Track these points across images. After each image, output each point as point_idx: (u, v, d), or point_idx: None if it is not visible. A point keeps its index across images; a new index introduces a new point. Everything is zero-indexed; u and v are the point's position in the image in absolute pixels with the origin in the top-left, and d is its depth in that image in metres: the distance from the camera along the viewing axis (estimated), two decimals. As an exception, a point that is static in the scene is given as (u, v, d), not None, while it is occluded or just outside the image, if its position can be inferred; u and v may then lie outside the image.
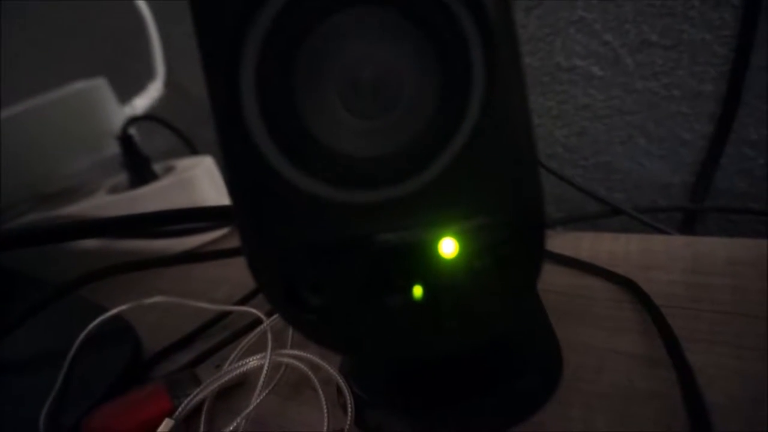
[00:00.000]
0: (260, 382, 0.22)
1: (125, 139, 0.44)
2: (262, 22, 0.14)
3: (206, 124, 0.14)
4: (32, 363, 0.29)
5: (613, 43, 0.35)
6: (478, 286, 0.14)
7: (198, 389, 0.23)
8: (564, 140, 0.40)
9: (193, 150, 0.57)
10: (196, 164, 0.46)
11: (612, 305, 0.24)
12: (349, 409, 0.20)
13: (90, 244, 0.40)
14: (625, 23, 0.34)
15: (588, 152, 0.39)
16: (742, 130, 0.34)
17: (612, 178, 0.39)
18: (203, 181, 0.45)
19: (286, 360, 0.24)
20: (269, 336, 0.25)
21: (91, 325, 0.29)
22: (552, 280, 0.27)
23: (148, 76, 0.56)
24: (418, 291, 0.14)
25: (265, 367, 0.23)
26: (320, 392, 0.22)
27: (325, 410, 0.21)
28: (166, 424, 0.21)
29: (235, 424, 0.21)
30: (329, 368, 0.22)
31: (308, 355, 0.23)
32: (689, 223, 0.37)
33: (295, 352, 0.24)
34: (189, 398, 0.23)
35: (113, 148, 0.46)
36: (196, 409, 0.23)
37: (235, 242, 0.36)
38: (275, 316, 0.26)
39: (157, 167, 0.47)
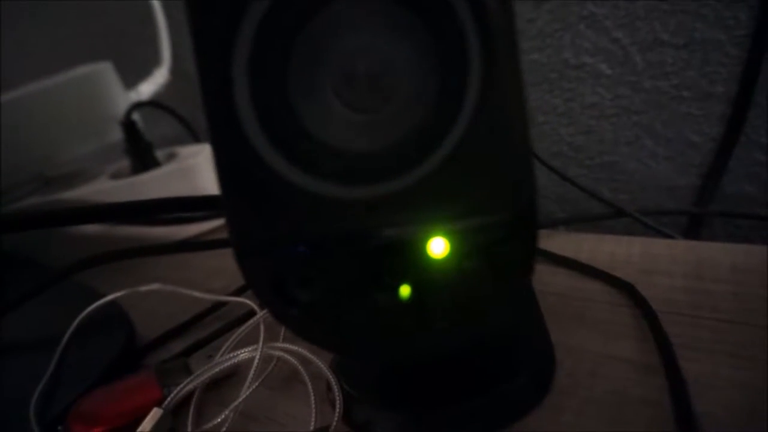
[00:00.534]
0: (250, 375, 0.22)
1: (128, 125, 0.44)
2: (255, 11, 0.13)
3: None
4: (26, 347, 0.29)
5: (623, 40, 0.34)
6: (467, 287, 0.14)
7: (188, 379, 0.23)
8: (569, 139, 0.39)
9: (196, 138, 0.56)
10: (199, 152, 0.46)
11: (610, 309, 0.23)
12: (338, 406, 0.20)
13: (89, 229, 0.40)
14: (637, 20, 0.33)
15: (594, 152, 0.39)
16: (752, 133, 0.33)
17: (617, 179, 0.39)
18: (205, 170, 0.45)
19: (277, 353, 0.24)
20: (261, 328, 0.24)
21: (85, 311, 0.29)
22: (550, 281, 0.26)
23: (154, 62, 0.56)
24: (406, 290, 0.14)
25: (256, 360, 0.23)
26: (309, 387, 0.21)
27: (314, 405, 0.21)
28: (155, 413, 0.21)
29: (223, 415, 0.21)
30: (319, 363, 0.22)
31: (299, 349, 0.23)
32: (694, 227, 0.37)
33: (287, 345, 0.23)
34: (179, 388, 0.22)
35: (117, 134, 0.46)
36: (186, 399, 0.23)
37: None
38: (268, 308, 0.26)
39: (159, 154, 0.47)
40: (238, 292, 0.31)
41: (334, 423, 0.19)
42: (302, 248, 0.15)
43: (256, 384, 0.22)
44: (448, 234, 0.14)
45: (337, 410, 0.19)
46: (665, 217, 0.37)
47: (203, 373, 0.23)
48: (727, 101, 0.33)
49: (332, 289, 0.15)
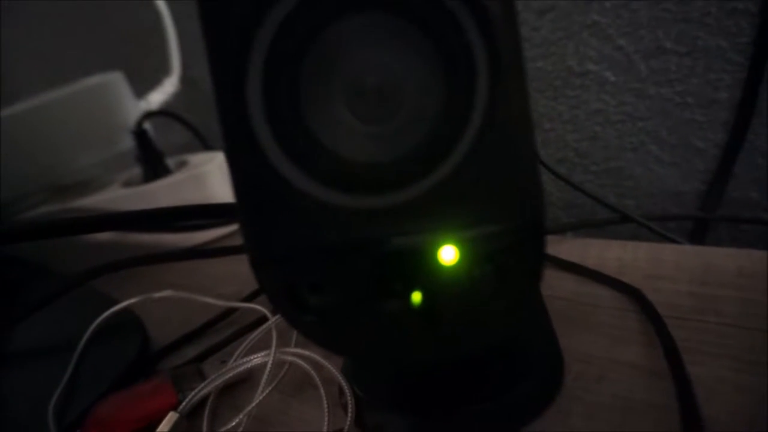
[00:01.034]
0: (264, 379, 0.23)
1: (140, 134, 0.44)
2: (269, 26, 0.14)
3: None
4: (42, 353, 0.30)
5: (626, 48, 0.35)
6: (477, 295, 0.14)
7: (203, 384, 0.23)
8: (575, 145, 0.40)
9: (207, 146, 0.57)
10: (209, 160, 0.47)
11: (616, 314, 0.24)
12: (350, 409, 0.20)
13: (102, 236, 0.41)
14: (640, 28, 0.34)
15: (599, 158, 0.39)
16: (756, 140, 0.33)
17: (623, 185, 0.39)
18: (215, 177, 0.45)
19: (289, 358, 0.24)
20: (274, 334, 0.25)
21: (100, 318, 0.29)
22: (558, 285, 0.27)
23: (163, 71, 0.57)
24: (416, 297, 0.14)
25: (269, 365, 0.23)
26: (322, 391, 0.22)
27: (326, 409, 0.21)
28: (170, 417, 0.22)
29: (237, 419, 0.21)
30: (331, 368, 0.22)
31: (311, 354, 0.23)
32: (700, 232, 0.37)
33: (299, 350, 0.24)
34: (193, 393, 0.23)
35: (128, 142, 0.47)
36: (200, 404, 0.23)
37: (244, 239, 0.36)
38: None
39: (170, 162, 0.47)
40: (250, 298, 0.32)
41: (347, 426, 0.19)
42: (315, 256, 0.15)
43: (270, 388, 0.22)
44: (457, 242, 0.14)
45: (350, 414, 0.20)
46: (671, 222, 0.37)
47: (217, 378, 0.24)
48: (730, 108, 0.33)
49: (344, 295, 0.15)
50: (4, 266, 0.39)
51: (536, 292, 0.22)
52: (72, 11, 0.62)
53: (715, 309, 0.22)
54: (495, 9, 0.13)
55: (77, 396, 0.25)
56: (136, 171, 0.47)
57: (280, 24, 0.14)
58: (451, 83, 0.14)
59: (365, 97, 0.14)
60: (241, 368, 0.24)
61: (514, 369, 0.20)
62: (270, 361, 0.23)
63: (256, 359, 0.24)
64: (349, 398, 0.20)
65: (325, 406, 0.21)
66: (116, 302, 0.30)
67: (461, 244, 0.14)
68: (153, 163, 0.45)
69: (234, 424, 0.21)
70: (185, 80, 0.58)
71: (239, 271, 0.37)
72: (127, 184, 0.46)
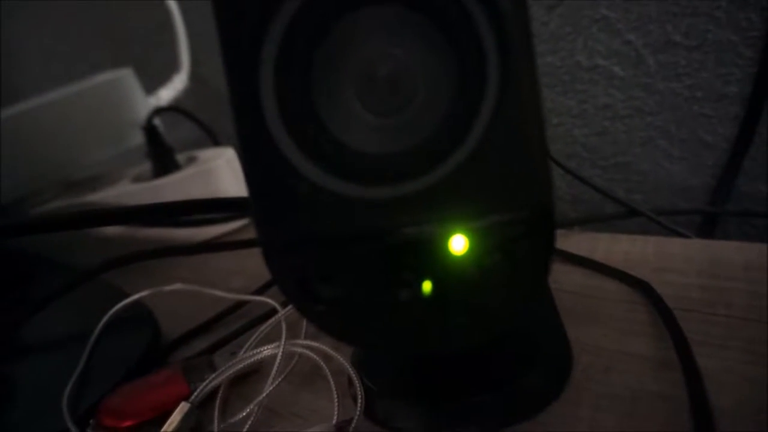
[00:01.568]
0: (274, 371, 0.23)
1: (150, 130, 0.45)
2: (281, 18, 0.14)
3: (228, 117, 0.15)
4: (56, 344, 0.30)
5: (635, 42, 0.35)
6: (487, 284, 0.15)
7: (213, 375, 0.24)
8: (584, 140, 0.40)
9: (216, 141, 0.58)
10: (218, 155, 0.47)
11: (625, 306, 0.24)
12: (359, 400, 0.20)
13: (113, 231, 0.42)
14: (649, 23, 0.34)
15: (608, 152, 0.39)
16: (766, 134, 0.33)
17: (631, 179, 0.39)
18: (224, 172, 0.46)
19: (299, 350, 0.24)
20: (283, 326, 0.25)
21: (112, 310, 0.30)
22: (566, 279, 0.27)
23: (173, 68, 0.58)
24: (427, 286, 0.15)
25: (279, 356, 0.23)
26: (331, 382, 0.22)
27: (336, 400, 0.21)
28: (182, 407, 0.22)
29: (248, 409, 0.22)
30: (341, 359, 0.22)
31: (321, 346, 0.24)
32: (708, 226, 0.37)
33: (309, 342, 0.24)
34: (205, 383, 0.23)
35: (138, 138, 0.47)
36: (211, 394, 0.24)
37: (252, 233, 0.37)
38: (290, 306, 0.27)
39: (180, 157, 0.48)
40: (260, 291, 0.32)
41: (357, 416, 0.20)
42: (326, 246, 0.15)
43: (280, 379, 0.23)
44: (467, 232, 0.14)
45: (359, 404, 0.20)
46: (679, 216, 0.37)
47: (228, 369, 0.24)
48: (740, 102, 0.33)
49: (356, 285, 0.15)
50: (17, 260, 0.40)
51: (545, 284, 0.22)
52: (82, 8, 0.62)
53: (724, 301, 0.22)
54: (506, 1, 0.13)
55: (91, 387, 0.25)
56: (146, 166, 0.47)
57: (292, 17, 0.14)
58: (461, 75, 0.14)
59: (377, 88, 0.15)
60: (252, 360, 0.24)
61: (523, 360, 0.20)
62: (280, 353, 0.23)
63: (266, 351, 0.24)
64: (358, 389, 0.21)
65: (335, 396, 0.21)
66: (127, 295, 0.31)
67: (471, 234, 0.14)
68: (163, 158, 0.45)
69: (245, 414, 0.21)
70: (194, 77, 0.58)
71: (248, 265, 0.38)
72: (137, 179, 0.47)
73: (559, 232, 0.32)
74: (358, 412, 0.20)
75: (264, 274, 0.31)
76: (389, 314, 0.15)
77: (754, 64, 0.32)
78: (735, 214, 0.36)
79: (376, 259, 0.15)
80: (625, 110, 0.37)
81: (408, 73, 0.14)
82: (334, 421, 0.20)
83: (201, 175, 0.45)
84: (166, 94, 0.55)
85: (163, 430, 0.21)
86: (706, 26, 0.32)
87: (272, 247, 0.16)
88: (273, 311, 0.28)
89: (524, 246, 0.14)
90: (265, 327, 0.26)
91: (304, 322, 0.27)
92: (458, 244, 0.14)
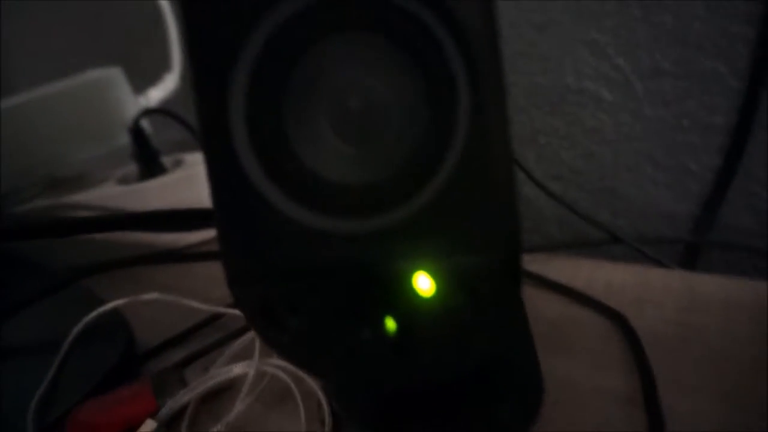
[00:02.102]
0: (244, 390, 0.23)
1: (136, 131, 0.44)
2: (252, 46, 0.14)
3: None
4: (27, 351, 0.30)
5: (624, 67, 0.35)
6: (451, 325, 0.14)
7: (183, 391, 0.23)
8: (570, 162, 0.40)
9: (204, 144, 0.57)
10: (205, 160, 0.47)
11: (600, 338, 0.24)
12: (327, 424, 0.20)
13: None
14: (638, 49, 0.34)
15: (594, 176, 0.39)
16: (751, 165, 0.33)
17: (617, 204, 0.39)
18: (210, 178, 0.45)
19: (271, 369, 0.24)
20: (257, 343, 0.25)
21: (86, 319, 0.29)
22: (544, 307, 0.27)
23: (164, 67, 0.57)
24: (390, 325, 0.14)
25: (250, 376, 0.23)
26: (300, 405, 0.22)
27: (303, 423, 0.21)
28: (148, 424, 0.22)
29: (215, 429, 0.21)
30: (311, 382, 0.22)
31: (293, 367, 0.23)
32: (691, 255, 0.37)
33: (281, 362, 0.24)
34: (173, 400, 0.23)
35: (125, 138, 0.47)
36: (181, 411, 0.23)
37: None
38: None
39: (166, 160, 0.47)
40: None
41: (322, 442, 0.19)
42: (292, 277, 0.15)
43: (250, 399, 0.23)
44: (434, 270, 0.14)
45: (326, 429, 0.20)
46: (663, 245, 0.37)
47: (198, 385, 0.24)
48: (726, 132, 0.33)
49: (319, 318, 0.15)
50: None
51: (521, 313, 0.22)
52: (74, 6, 0.62)
53: (700, 339, 0.22)
54: (476, 31, 0.13)
55: (58, 398, 0.25)
56: (133, 168, 0.47)
57: (264, 42, 0.14)
58: (433, 107, 0.14)
59: (349, 116, 0.14)
60: (223, 377, 0.24)
61: (493, 394, 0.20)
62: (251, 372, 0.23)
63: (238, 369, 0.24)
64: (326, 414, 0.20)
65: (303, 420, 0.21)
66: (104, 302, 0.30)
67: (438, 273, 0.14)
68: (148, 161, 0.45)
69: (212, 434, 0.21)
70: (186, 77, 0.58)
71: (229, 274, 0.37)
72: (123, 180, 0.46)
73: (542, 256, 0.32)
74: (324, 438, 0.20)
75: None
76: (352, 350, 0.15)
77: (740, 95, 0.32)
78: (717, 246, 0.36)
79: (341, 293, 0.15)
80: (612, 134, 0.37)
81: (379, 104, 0.14)
82: (299, 446, 0.20)
83: (187, 180, 0.44)
84: (157, 94, 0.55)
85: (126, 448, 0.21)
86: (695, 56, 0.32)
87: (236, 276, 0.15)
88: (249, 325, 0.28)
89: (491, 287, 0.14)
90: (238, 343, 0.26)
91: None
92: (424, 282, 0.14)
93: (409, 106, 0.14)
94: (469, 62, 0.13)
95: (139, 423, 0.22)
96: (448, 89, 0.14)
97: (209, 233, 0.45)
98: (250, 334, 0.26)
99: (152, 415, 0.22)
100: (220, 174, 0.15)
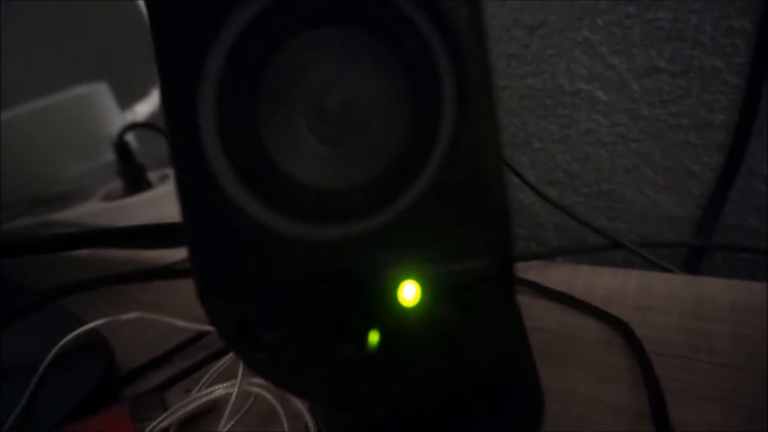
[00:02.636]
0: (227, 412, 0.21)
1: (121, 147, 0.43)
2: (224, 40, 0.13)
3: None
4: (1, 374, 0.28)
5: (619, 67, 0.34)
6: (439, 338, 0.13)
7: (163, 416, 0.22)
8: (566, 166, 0.38)
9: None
10: (193, 174, 0.46)
11: (602, 348, 0.22)
12: (313, 449, 0.19)
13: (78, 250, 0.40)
14: (632, 47, 0.33)
15: (591, 179, 0.38)
16: (753, 164, 0.32)
17: (615, 208, 0.38)
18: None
19: (255, 389, 0.23)
20: (241, 363, 0.24)
21: (64, 340, 0.28)
22: (542, 316, 0.26)
23: (152, 82, 0.56)
24: (374, 339, 0.13)
25: (233, 396, 0.22)
26: (286, 427, 0.21)
27: (289, 448, 0.20)
28: (124, 452, 0.20)
29: (195, 456, 0.20)
30: (298, 403, 0.21)
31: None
32: (694, 259, 0.36)
33: (266, 382, 0.23)
34: (153, 425, 0.22)
35: (110, 154, 0.46)
36: (161, 436, 0.22)
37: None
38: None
39: (152, 176, 0.46)
40: (222, 322, 0.30)
41: (308, 468, 0.18)
42: (268, 289, 0.14)
43: (233, 422, 0.21)
44: (419, 279, 0.13)
45: (312, 454, 0.19)
46: (665, 248, 0.36)
47: (179, 409, 0.23)
48: (727, 130, 0.32)
49: (297, 334, 0.14)
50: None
51: (518, 323, 0.21)
52: (62, 21, 0.61)
53: (707, 346, 0.21)
54: (462, 27, 0.12)
55: (32, 424, 0.24)
56: (118, 184, 0.46)
57: (236, 38, 0.13)
58: (416, 104, 0.13)
59: (327, 116, 0.13)
60: (205, 399, 0.23)
61: (490, 410, 0.18)
62: (234, 393, 0.22)
63: (220, 390, 0.23)
64: (312, 437, 0.19)
65: (288, 444, 0.20)
66: (83, 323, 0.29)
67: (423, 282, 0.13)
68: (134, 176, 0.44)
69: (191, 460, 0.20)
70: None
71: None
72: (108, 197, 0.45)
73: (539, 263, 0.31)
74: (310, 464, 0.18)
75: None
76: (331, 367, 0.14)
77: (740, 91, 0.31)
78: (722, 248, 0.34)
79: (321, 306, 0.13)
80: (609, 136, 0.36)
81: (360, 102, 0.13)
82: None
83: (172, 195, 0.43)
84: (144, 108, 0.54)
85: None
86: (691, 52, 0.31)
87: (208, 288, 0.14)
88: (234, 344, 0.27)
89: (481, 296, 0.13)
90: (221, 363, 0.25)
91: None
92: (409, 292, 0.13)
93: (391, 104, 0.13)
94: (452, 52, 0.12)
95: (116, 450, 0.21)
96: (432, 85, 0.13)
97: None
98: (233, 354, 0.25)
99: (129, 441, 0.21)
100: (186, 176, 0.13)
